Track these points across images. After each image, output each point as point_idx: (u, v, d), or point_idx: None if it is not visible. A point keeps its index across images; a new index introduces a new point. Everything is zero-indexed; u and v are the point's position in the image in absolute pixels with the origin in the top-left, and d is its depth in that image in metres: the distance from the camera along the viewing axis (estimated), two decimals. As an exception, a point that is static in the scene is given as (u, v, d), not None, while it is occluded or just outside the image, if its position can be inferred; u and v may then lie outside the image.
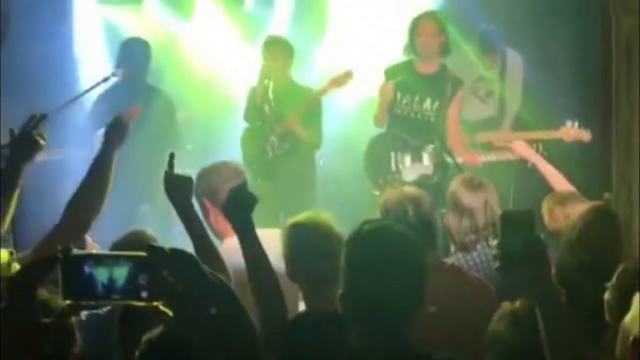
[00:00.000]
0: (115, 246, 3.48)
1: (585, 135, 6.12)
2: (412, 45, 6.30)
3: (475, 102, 7.14)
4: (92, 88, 4.95)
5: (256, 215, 6.29)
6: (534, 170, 5.48)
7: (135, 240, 3.51)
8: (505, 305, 2.93)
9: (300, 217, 3.45)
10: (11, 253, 2.71)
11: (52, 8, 7.59)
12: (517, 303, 2.87)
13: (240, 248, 2.98)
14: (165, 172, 3.20)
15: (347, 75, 6.53)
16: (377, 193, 6.08)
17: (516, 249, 2.40)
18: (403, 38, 6.47)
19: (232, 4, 7.94)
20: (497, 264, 2.47)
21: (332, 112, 7.05)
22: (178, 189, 3.18)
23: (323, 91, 6.63)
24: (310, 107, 6.61)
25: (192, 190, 3.24)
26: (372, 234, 2.46)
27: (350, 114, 7.37)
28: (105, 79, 4.98)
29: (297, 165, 6.66)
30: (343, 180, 7.31)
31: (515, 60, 7.29)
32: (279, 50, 6.66)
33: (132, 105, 6.55)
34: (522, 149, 5.58)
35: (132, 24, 7.91)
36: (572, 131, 6.18)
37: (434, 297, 3.01)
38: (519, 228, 2.42)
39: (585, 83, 7.14)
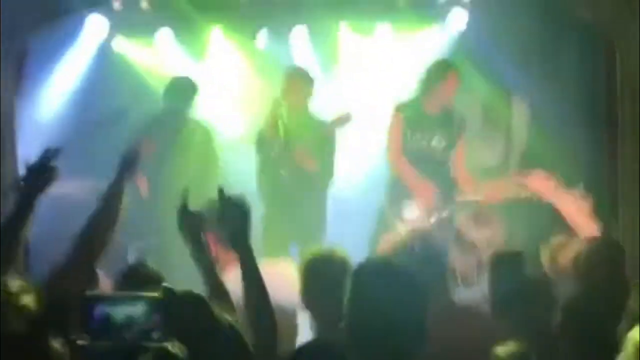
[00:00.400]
0: (117, 280, 3.51)
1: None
2: (429, 88, 6.30)
3: (480, 148, 7.17)
4: (107, 120, 5.01)
5: (267, 245, 6.34)
6: (547, 208, 5.39)
7: (136, 273, 3.55)
8: (497, 350, 2.88)
9: (318, 249, 3.60)
10: (22, 285, 2.75)
11: (65, 40, 7.72)
12: (509, 347, 2.84)
13: (238, 263, 2.97)
14: (178, 209, 3.21)
15: (346, 117, 6.61)
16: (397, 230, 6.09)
17: (506, 290, 2.40)
18: (414, 74, 6.53)
19: (245, 40, 8.04)
20: (488, 306, 2.48)
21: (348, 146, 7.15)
22: (189, 226, 3.20)
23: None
24: (319, 142, 6.67)
25: (202, 227, 3.24)
26: (374, 268, 2.51)
27: (367, 148, 7.43)
28: (122, 112, 5.03)
29: (308, 197, 6.72)
30: (357, 214, 7.35)
31: (521, 105, 7.35)
32: (298, 81, 6.74)
33: (175, 137, 6.90)
34: (538, 183, 4.92)
35: (144, 57, 8.05)
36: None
37: (446, 340, 3.03)
38: (508, 269, 2.43)
39: (591, 123, 7.16)
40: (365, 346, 2.43)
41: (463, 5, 7.62)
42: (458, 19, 7.68)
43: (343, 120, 6.61)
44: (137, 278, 3.37)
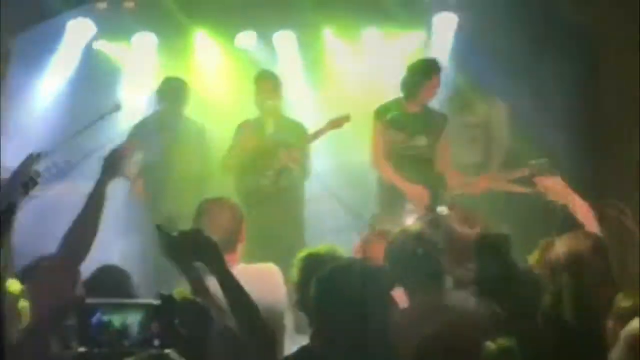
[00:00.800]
0: (87, 282, 3.48)
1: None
2: (414, 90, 6.35)
3: (460, 148, 7.21)
4: (94, 122, 5.01)
5: (249, 247, 6.33)
6: (526, 201, 5.38)
7: (106, 275, 3.54)
8: (488, 346, 2.90)
9: (314, 248, 3.54)
10: (22, 290, 2.75)
11: (49, 42, 7.70)
12: (499, 342, 2.85)
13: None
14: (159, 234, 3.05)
15: (345, 118, 6.64)
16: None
17: (490, 272, 2.41)
18: (399, 76, 6.57)
19: (229, 43, 8.05)
20: (472, 287, 2.49)
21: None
22: (170, 251, 3.02)
23: (321, 132, 6.73)
24: (307, 145, 6.72)
25: (181, 247, 3.03)
26: (335, 273, 2.52)
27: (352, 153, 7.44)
28: (106, 114, 5.03)
29: (289, 197, 6.75)
30: (346, 219, 7.37)
31: (500, 107, 7.39)
32: (271, 84, 6.79)
33: (169, 136, 6.93)
34: (552, 184, 4.80)
35: (128, 58, 8.05)
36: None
37: (438, 340, 2.99)
38: (494, 252, 2.43)
39: (575, 123, 7.20)
40: (336, 351, 2.43)
41: (450, 9, 7.65)
42: (445, 22, 7.72)
43: (341, 121, 6.63)
44: (105, 280, 3.37)
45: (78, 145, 5.09)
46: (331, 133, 6.83)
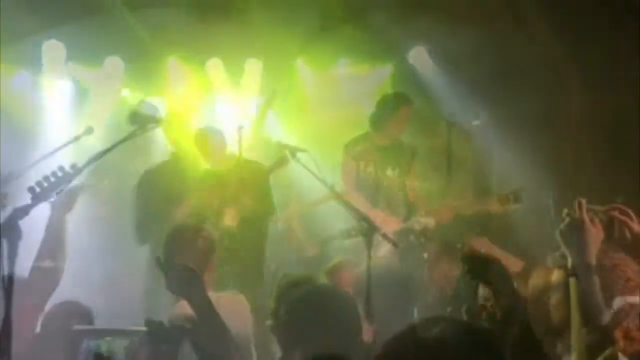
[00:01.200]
0: (48, 318, 3.44)
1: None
2: (383, 123, 6.42)
3: (424, 174, 7.27)
4: (67, 144, 5.00)
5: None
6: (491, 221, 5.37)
7: (67, 310, 3.52)
8: None
9: (294, 275, 3.62)
10: None
11: (25, 64, 7.69)
12: None
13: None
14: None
15: (284, 160, 6.41)
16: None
17: (469, 293, 2.44)
18: (369, 108, 6.63)
19: (198, 67, 8.08)
20: (449, 307, 2.52)
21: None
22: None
23: (270, 171, 6.67)
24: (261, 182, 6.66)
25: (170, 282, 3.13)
26: (305, 296, 2.54)
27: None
28: (79, 137, 5.03)
29: (252, 235, 6.66)
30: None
31: (463, 134, 7.47)
32: (214, 144, 6.71)
33: (142, 160, 6.83)
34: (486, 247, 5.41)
35: (94, 82, 8.02)
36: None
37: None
38: (474, 272, 2.46)
39: (543, 153, 7.28)
40: None
41: (420, 42, 7.73)
42: (416, 56, 7.80)
43: (281, 163, 6.55)
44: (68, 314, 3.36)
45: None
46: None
